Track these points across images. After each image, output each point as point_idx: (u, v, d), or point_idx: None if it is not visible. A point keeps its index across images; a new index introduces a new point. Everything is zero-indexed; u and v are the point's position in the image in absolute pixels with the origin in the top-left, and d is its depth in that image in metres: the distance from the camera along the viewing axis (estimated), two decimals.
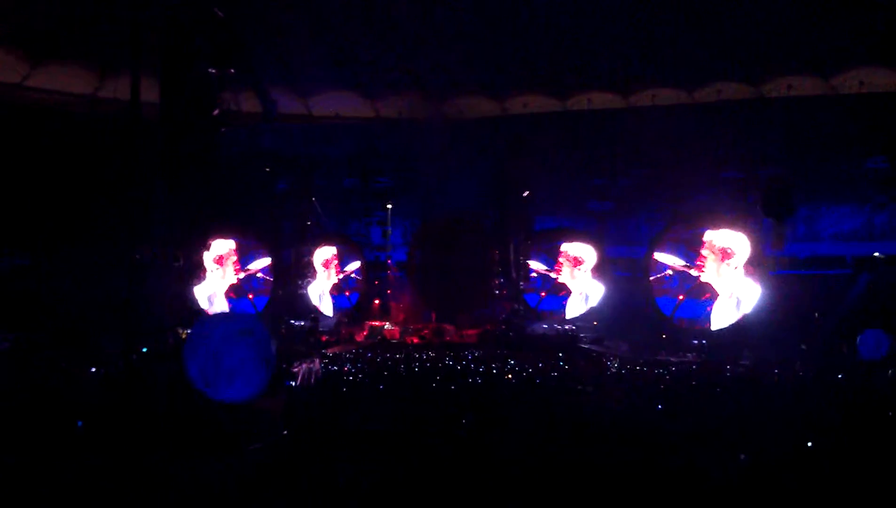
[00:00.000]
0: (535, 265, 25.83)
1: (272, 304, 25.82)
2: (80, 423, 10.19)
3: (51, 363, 16.28)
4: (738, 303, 22.25)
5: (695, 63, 23.79)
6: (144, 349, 17.31)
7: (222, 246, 25.68)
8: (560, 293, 25.66)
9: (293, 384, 14.59)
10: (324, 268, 27.17)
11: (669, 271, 23.63)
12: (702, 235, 23.18)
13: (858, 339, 13.77)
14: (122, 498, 7.93)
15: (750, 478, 8.34)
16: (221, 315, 5.96)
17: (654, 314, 23.44)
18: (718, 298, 22.67)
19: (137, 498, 7.94)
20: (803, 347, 18.76)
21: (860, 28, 21.71)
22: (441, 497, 7.89)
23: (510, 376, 16.26)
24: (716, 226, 22.96)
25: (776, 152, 24.07)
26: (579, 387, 14.60)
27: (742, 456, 8.88)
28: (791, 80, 23.54)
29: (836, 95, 23.37)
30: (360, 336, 24.08)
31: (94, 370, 15.20)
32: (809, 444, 9.30)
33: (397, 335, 23.69)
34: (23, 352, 18.31)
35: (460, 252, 25.88)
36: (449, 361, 18.51)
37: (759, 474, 8.44)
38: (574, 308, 25.39)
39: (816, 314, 21.05)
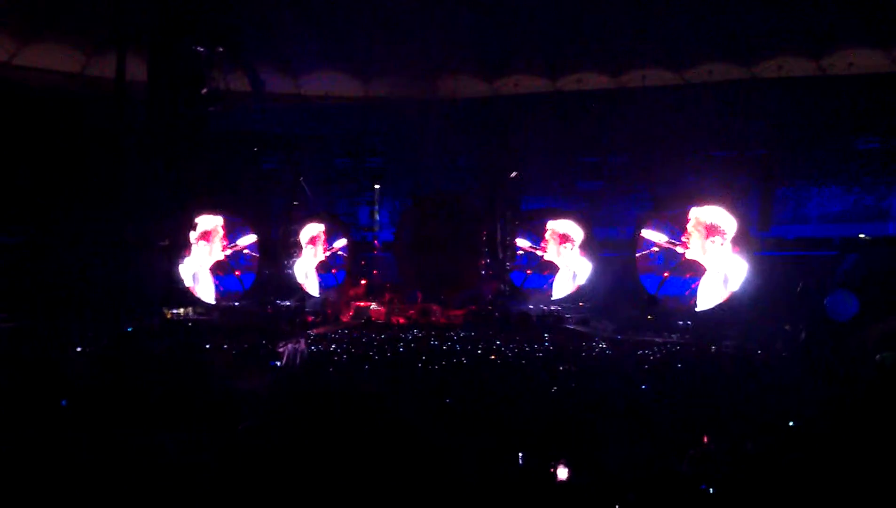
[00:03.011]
0: (521, 243, 25.82)
1: (258, 282, 25.77)
2: (63, 402, 10.24)
3: (38, 342, 16.29)
4: (726, 280, 22.30)
5: (685, 43, 23.75)
6: (129, 329, 17.38)
7: (209, 222, 25.54)
8: (545, 272, 25.69)
9: (278, 364, 14.64)
10: (311, 245, 27.10)
11: (655, 249, 23.68)
12: (687, 212, 23.21)
13: (826, 300, 13.84)
14: (110, 474, 7.98)
15: (735, 460, 8.42)
16: None
17: (642, 295, 23.50)
18: (704, 274, 22.73)
19: (125, 474, 7.99)
20: (787, 328, 18.81)
21: (850, 9, 21.69)
22: (425, 475, 7.94)
23: (495, 356, 16.32)
24: (701, 203, 23.00)
25: (766, 133, 24.05)
26: (563, 367, 14.66)
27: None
28: (781, 60, 23.50)
29: (825, 75, 23.34)
30: (346, 317, 24.06)
31: (79, 349, 15.24)
32: (791, 424, 9.39)
33: (383, 316, 23.67)
34: (11, 331, 18.30)
35: (447, 232, 25.85)
36: (434, 342, 18.55)
37: (743, 455, 8.51)
38: (561, 287, 25.41)
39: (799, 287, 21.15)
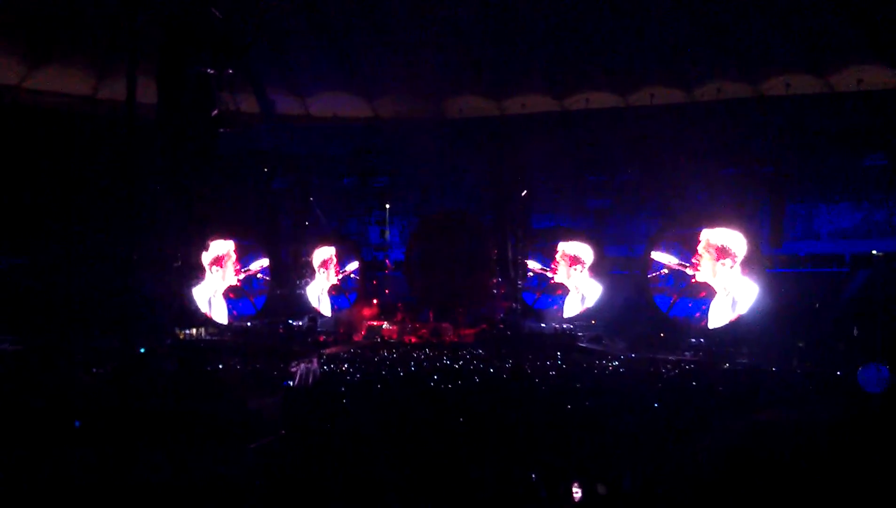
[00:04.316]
0: (532, 264, 25.83)
1: (270, 304, 25.81)
2: (77, 423, 10.22)
3: (50, 362, 16.30)
4: (734, 303, 22.24)
5: (693, 61, 23.75)
6: (142, 350, 17.37)
7: (221, 247, 25.64)
8: (556, 293, 25.64)
9: (291, 383, 14.62)
10: (322, 269, 27.15)
11: (665, 270, 23.64)
12: (698, 233, 23.18)
13: (859, 373, 13.86)
14: (123, 495, 7.97)
15: (744, 473, 8.38)
16: None
17: (654, 313, 23.45)
18: (715, 297, 22.66)
19: (138, 495, 7.98)
20: (801, 345, 18.75)
21: (858, 26, 21.69)
22: (438, 494, 7.92)
23: (508, 375, 16.28)
24: (712, 225, 22.96)
25: (775, 150, 24.04)
26: (577, 385, 14.62)
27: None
28: (789, 78, 23.50)
29: (834, 92, 23.32)
30: (359, 336, 24.05)
31: (94, 370, 15.24)
32: (804, 440, 9.35)
33: (395, 335, 23.66)
34: (22, 352, 18.32)
35: (458, 251, 25.88)
36: (447, 360, 18.52)
37: (755, 469, 8.47)
38: (571, 308, 25.37)
39: (817, 305, 21.07)
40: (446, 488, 8.11)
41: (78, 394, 12.94)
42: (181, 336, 22.41)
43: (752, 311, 21.83)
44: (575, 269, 25.49)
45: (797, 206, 25.25)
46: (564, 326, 24.32)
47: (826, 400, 12.91)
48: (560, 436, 10.28)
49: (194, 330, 23.09)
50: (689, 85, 24.45)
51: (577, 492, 8.19)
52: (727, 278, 22.58)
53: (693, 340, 21.67)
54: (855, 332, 18.66)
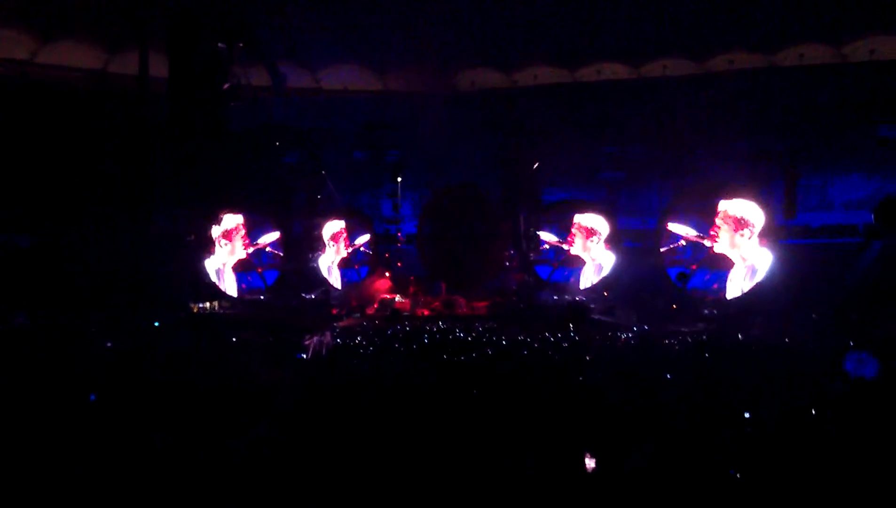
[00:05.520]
0: (547, 237, 25.76)
1: (282, 277, 25.81)
2: (92, 397, 10.28)
3: (64, 337, 16.36)
4: (753, 274, 22.18)
5: (706, 33, 23.65)
6: (157, 324, 17.45)
7: (230, 221, 25.58)
8: (572, 265, 25.61)
9: (304, 357, 14.66)
10: (333, 242, 27.15)
11: (682, 242, 23.56)
12: (716, 205, 23.05)
13: (846, 358, 13.83)
14: (134, 472, 8.00)
15: (755, 448, 8.39)
16: None
17: (667, 285, 23.39)
18: (733, 268, 22.59)
19: (148, 472, 8.01)
20: (814, 316, 18.70)
21: None
22: (451, 467, 7.94)
23: (521, 347, 16.29)
24: (729, 196, 22.86)
25: (788, 121, 23.93)
26: (590, 358, 14.62)
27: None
28: (802, 48, 23.39)
29: (847, 63, 23.21)
30: (371, 309, 24.08)
31: (108, 344, 15.29)
32: (814, 412, 9.35)
33: (408, 308, 23.67)
34: (37, 326, 18.41)
35: (470, 224, 25.86)
36: (460, 333, 18.53)
37: (764, 443, 8.48)
38: (587, 280, 25.36)
39: (830, 280, 20.99)
40: (459, 461, 8.14)
41: (91, 369, 13.00)
42: (195, 310, 22.46)
43: (766, 282, 21.80)
44: (591, 241, 25.44)
45: (810, 176, 25.14)
46: (577, 298, 24.29)
47: (838, 377, 12.85)
48: (571, 409, 10.29)
49: (208, 304, 23.14)
50: (701, 56, 24.35)
51: (588, 465, 8.21)
52: (745, 249, 22.51)
53: (706, 311, 21.62)
54: (866, 304, 18.60)
